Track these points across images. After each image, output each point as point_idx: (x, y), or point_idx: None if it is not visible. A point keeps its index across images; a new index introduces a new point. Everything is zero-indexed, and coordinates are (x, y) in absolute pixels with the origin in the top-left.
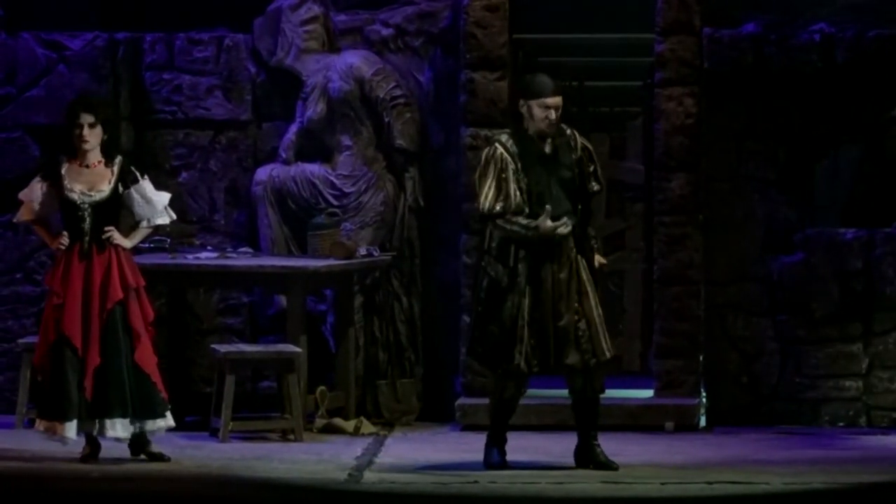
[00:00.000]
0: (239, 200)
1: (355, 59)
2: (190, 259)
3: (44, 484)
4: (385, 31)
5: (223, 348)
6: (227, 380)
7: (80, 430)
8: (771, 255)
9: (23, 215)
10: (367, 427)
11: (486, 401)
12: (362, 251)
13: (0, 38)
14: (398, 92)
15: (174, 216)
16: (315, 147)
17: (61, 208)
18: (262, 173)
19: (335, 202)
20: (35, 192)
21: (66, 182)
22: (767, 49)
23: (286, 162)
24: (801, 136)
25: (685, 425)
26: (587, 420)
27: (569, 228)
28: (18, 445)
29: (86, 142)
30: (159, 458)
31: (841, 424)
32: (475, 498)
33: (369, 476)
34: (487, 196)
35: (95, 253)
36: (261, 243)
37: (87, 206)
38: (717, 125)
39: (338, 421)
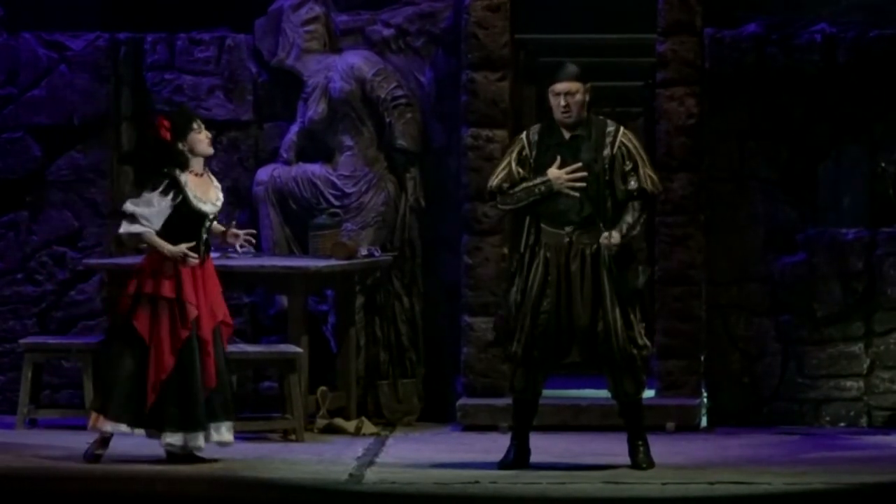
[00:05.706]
0: (240, 201)
1: (356, 60)
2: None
3: (46, 484)
4: (386, 32)
5: None
6: None
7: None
8: (773, 255)
9: (138, 232)
10: (368, 427)
11: (487, 401)
12: (363, 251)
13: (1, 39)
14: (399, 92)
15: None
16: (316, 147)
17: (183, 220)
18: (264, 173)
19: (336, 202)
20: (161, 207)
21: (193, 194)
22: (769, 49)
23: (287, 162)
24: (802, 136)
25: (687, 426)
26: (625, 421)
27: (582, 183)
28: (20, 446)
29: (211, 148)
30: (207, 461)
31: (842, 425)
32: (476, 498)
33: (370, 476)
34: (494, 173)
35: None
36: (262, 243)
37: (211, 216)
38: (718, 125)
39: (339, 421)
